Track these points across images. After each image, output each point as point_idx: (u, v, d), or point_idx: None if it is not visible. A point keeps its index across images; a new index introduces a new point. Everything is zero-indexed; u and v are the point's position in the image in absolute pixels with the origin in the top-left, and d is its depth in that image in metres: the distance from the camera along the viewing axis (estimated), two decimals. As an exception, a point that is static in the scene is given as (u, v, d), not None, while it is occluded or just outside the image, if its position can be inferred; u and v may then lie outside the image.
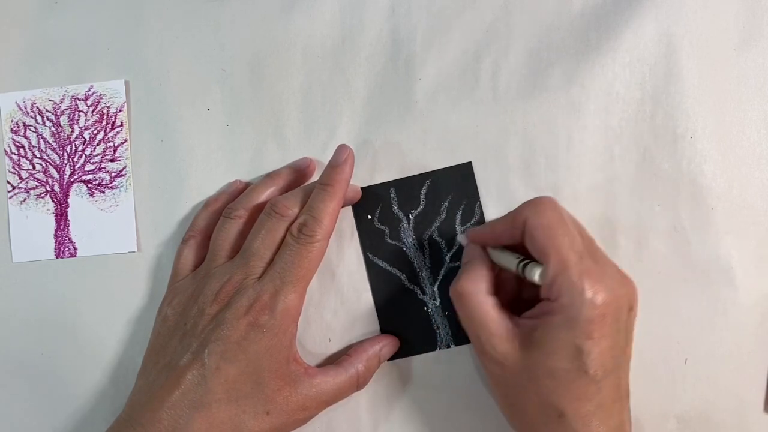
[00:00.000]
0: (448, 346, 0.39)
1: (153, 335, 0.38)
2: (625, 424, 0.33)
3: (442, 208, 0.40)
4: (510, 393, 0.33)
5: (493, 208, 0.39)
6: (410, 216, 0.40)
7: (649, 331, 0.38)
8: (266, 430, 0.35)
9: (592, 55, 0.39)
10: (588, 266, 0.31)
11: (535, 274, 0.32)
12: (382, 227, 0.40)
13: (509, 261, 0.34)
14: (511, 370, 0.32)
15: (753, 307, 0.38)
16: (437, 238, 0.40)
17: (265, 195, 0.39)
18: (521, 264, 0.33)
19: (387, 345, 0.39)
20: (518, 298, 0.37)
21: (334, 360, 0.39)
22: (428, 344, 0.40)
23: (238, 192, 0.41)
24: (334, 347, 0.40)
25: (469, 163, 0.40)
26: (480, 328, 0.33)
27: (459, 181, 0.40)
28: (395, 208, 0.40)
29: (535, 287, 0.33)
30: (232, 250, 0.38)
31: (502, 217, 0.35)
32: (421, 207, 0.40)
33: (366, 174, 0.40)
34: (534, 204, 0.33)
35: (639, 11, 0.39)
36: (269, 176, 0.40)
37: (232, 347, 0.34)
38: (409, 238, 0.40)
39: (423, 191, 0.40)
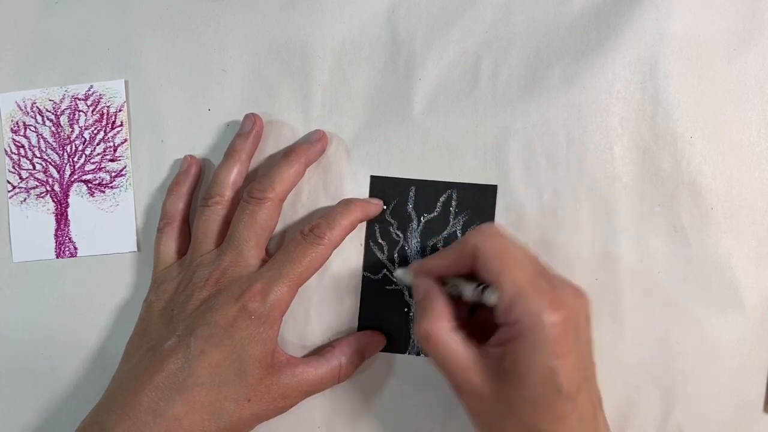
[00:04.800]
0: (417, 354, 0.40)
1: (137, 322, 0.39)
2: (603, 430, 0.33)
3: (455, 221, 0.40)
4: (491, 423, 0.33)
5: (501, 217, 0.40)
6: (422, 219, 0.40)
7: (649, 331, 0.38)
8: (246, 416, 0.35)
9: (592, 55, 0.39)
10: (541, 286, 0.31)
11: (495, 298, 0.32)
12: (392, 221, 0.40)
13: (466, 288, 0.34)
14: (488, 401, 0.32)
15: (753, 307, 0.38)
16: (440, 248, 0.40)
17: (232, 175, 0.39)
18: (480, 289, 0.34)
19: (373, 343, 0.39)
20: (470, 321, 0.36)
21: (318, 350, 0.39)
22: (399, 346, 0.40)
23: (196, 172, 0.41)
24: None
25: (495, 187, 0.39)
26: (452, 367, 0.33)
27: (479, 201, 0.39)
28: (410, 206, 0.40)
29: (491, 310, 0.33)
30: (216, 236, 0.39)
31: (450, 248, 0.35)
32: (435, 214, 0.40)
33: (365, 174, 0.40)
34: (481, 231, 0.34)
35: (639, 11, 0.39)
36: (229, 154, 0.40)
37: (218, 332, 0.34)
38: (413, 239, 0.40)
39: (442, 199, 0.40)
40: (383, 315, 0.40)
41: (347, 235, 0.38)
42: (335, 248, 0.38)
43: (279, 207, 0.39)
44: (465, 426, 0.39)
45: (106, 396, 0.35)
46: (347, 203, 0.39)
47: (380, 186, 0.40)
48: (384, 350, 0.40)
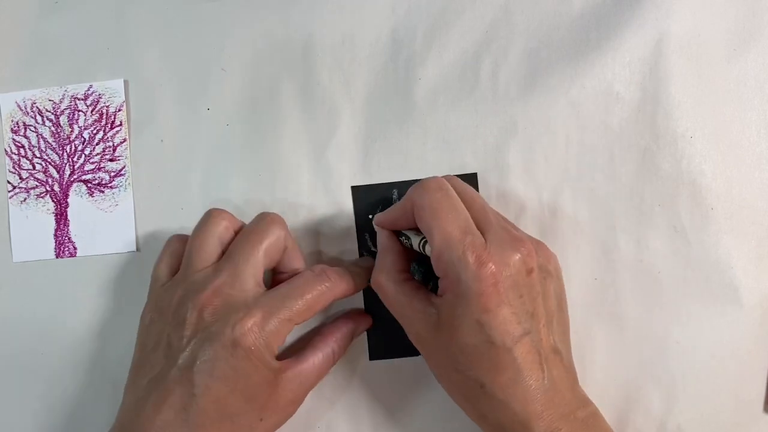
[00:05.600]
0: None
1: (137, 346, 0.37)
2: (560, 384, 0.32)
3: None
4: (439, 369, 0.34)
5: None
6: None
7: (649, 331, 0.38)
8: None
9: (592, 55, 0.39)
10: (472, 240, 0.31)
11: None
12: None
13: (414, 241, 0.35)
14: (432, 350, 0.34)
15: (753, 307, 0.38)
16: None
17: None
18: (421, 242, 0.35)
19: (359, 324, 0.39)
20: None
21: (308, 339, 0.39)
22: (414, 348, 0.39)
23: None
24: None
25: (474, 174, 0.40)
26: (398, 315, 0.35)
27: None
28: None
29: None
30: (214, 251, 0.36)
31: (398, 203, 0.36)
32: None
33: (366, 174, 0.40)
34: (419, 186, 0.34)
35: (639, 11, 0.39)
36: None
37: (220, 365, 0.33)
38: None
39: None
40: (390, 321, 0.39)
41: (351, 291, 0.37)
42: (337, 297, 0.36)
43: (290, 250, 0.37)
44: (465, 426, 0.39)
45: (117, 428, 0.34)
46: (364, 269, 0.38)
47: (362, 194, 0.40)
48: (400, 354, 0.40)
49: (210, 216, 0.37)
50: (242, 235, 0.37)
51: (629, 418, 0.38)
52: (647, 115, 0.39)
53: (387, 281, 0.35)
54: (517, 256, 0.32)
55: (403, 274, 0.35)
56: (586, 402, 0.33)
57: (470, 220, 0.33)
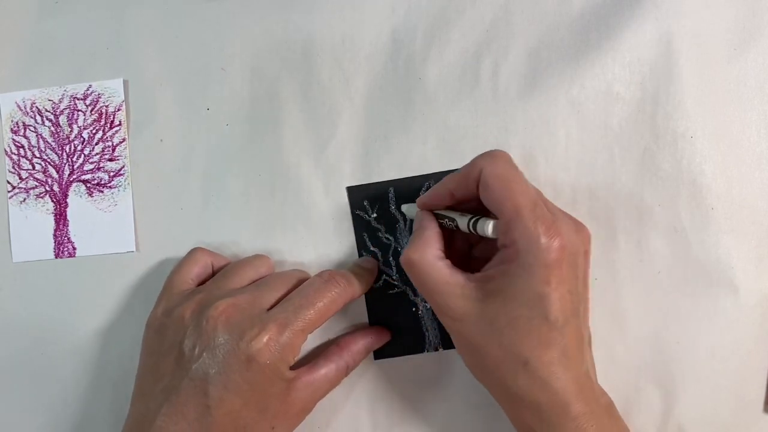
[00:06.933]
0: (436, 349, 0.39)
1: (145, 351, 0.37)
2: (590, 371, 0.33)
3: None
4: (474, 349, 0.33)
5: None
6: (407, 216, 0.40)
7: (649, 331, 0.38)
8: None
9: (592, 55, 0.39)
10: (542, 213, 0.31)
11: (488, 228, 0.33)
12: (378, 226, 0.40)
13: (460, 220, 0.35)
14: (472, 325, 0.33)
15: (753, 307, 0.38)
16: None
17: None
18: (472, 221, 0.34)
19: (377, 339, 0.39)
20: (468, 258, 0.37)
21: (323, 349, 0.39)
22: (417, 346, 0.40)
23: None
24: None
25: None
26: (434, 291, 0.34)
27: None
28: (393, 207, 0.40)
29: (487, 245, 0.34)
30: (245, 282, 0.38)
31: (457, 173, 0.35)
32: None
33: (365, 174, 0.40)
34: (489, 155, 0.34)
35: (639, 11, 0.39)
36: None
37: (234, 377, 0.33)
38: (404, 238, 0.40)
39: (421, 193, 0.40)
40: (393, 320, 0.40)
41: (359, 294, 0.38)
42: (347, 301, 0.37)
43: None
44: (466, 426, 0.39)
45: None
46: (370, 271, 0.39)
47: (359, 194, 0.40)
48: (402, 352, 0.40)
49: (257, 257, 0.40)
50: (278, 273, 0.38)
51: (629, 419, 0.38)
52: (647, 115, 0.39)
53: (423, 258, 0.34)
54: (579, 237, 0.33)
55: (439, 251, 0.35)
56: (604, 391, 0.34)
57: (539, 195, 0.33)
